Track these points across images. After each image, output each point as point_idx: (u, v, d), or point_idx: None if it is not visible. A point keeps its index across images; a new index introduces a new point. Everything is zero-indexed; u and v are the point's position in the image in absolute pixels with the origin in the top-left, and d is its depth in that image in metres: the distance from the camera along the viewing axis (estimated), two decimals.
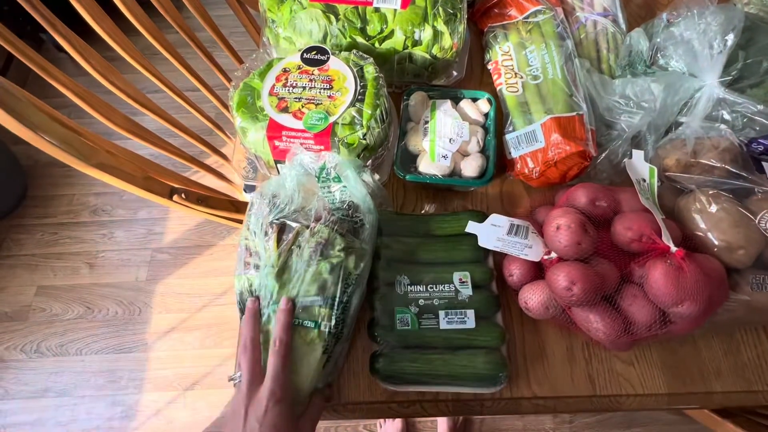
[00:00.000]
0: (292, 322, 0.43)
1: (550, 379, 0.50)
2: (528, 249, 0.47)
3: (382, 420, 1.19)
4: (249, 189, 0.51)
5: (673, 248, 0.43)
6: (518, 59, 0.63)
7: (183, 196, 0.66)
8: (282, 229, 0.48)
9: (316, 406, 0.45)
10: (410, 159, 0.59)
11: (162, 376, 1.26)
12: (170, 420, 1.21)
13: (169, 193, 0.66)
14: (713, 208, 0.47)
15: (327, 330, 0.44)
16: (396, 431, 1.16)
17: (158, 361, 1.27)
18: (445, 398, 0.49)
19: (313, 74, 0.51)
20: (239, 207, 0.78)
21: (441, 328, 0.48)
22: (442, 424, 1.16)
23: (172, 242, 1.43)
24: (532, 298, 0.48)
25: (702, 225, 0.47)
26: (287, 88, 0.50)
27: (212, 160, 0.99)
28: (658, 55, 0.59)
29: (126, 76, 0.68)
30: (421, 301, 0.50)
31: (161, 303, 1.35)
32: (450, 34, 0.58)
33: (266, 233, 0.48)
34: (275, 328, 0.43)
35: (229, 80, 0.57)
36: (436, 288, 0.50)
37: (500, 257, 0.52)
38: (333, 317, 0.44)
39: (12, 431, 1.20)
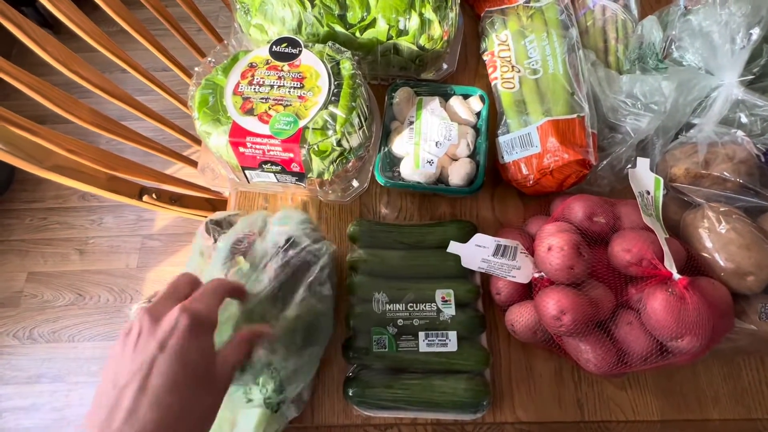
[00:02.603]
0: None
1: (536, 402, 0.47)
2: (516, 270, 0.43)
3: None
4: (212, 230, 0.47)
5: (676, 275, 0.38)
6: (516, 50, 0.57)
7: (154, 196, 0.63)
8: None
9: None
10: (395, 161, 0.54)
11: None
12: None
13: (139, 194, 0.62)
14: (723, 228, 0.42)
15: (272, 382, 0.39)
16: None
17: None
18: (424, 422, 0.47)
19: (282, 70, 0.46)
20: (216, 206, 0.74)
21: (420, 350, 0.45)
22: None
23: (163, 229, 1.40)
24: (520, 320, 0.44)
25: (709, 245, 0.43)
26: (253, 87, 0.45)
27: (192, 150, 0.94)
28: (672, 47, 0.53)
29: (81, 55, 0.62)
30: (400, 321, 0.46)
31: (152, 291, 1.33)
32: (440, 22, 0.52)
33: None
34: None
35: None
36: (417, 307, 0.47)
37: None
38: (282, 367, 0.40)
39: (8, 416, 1.21)
